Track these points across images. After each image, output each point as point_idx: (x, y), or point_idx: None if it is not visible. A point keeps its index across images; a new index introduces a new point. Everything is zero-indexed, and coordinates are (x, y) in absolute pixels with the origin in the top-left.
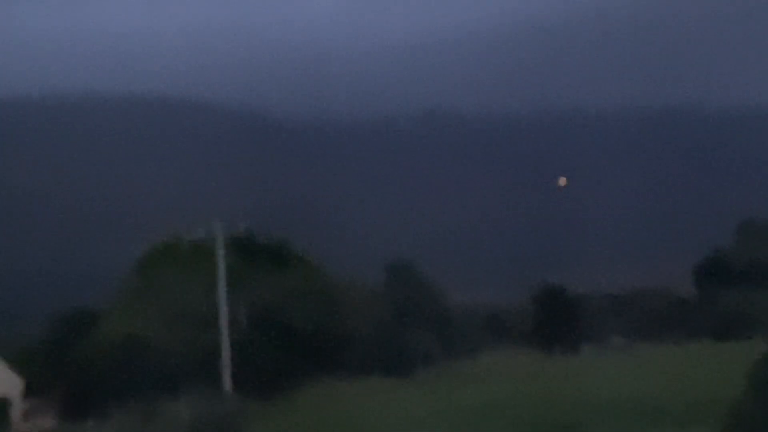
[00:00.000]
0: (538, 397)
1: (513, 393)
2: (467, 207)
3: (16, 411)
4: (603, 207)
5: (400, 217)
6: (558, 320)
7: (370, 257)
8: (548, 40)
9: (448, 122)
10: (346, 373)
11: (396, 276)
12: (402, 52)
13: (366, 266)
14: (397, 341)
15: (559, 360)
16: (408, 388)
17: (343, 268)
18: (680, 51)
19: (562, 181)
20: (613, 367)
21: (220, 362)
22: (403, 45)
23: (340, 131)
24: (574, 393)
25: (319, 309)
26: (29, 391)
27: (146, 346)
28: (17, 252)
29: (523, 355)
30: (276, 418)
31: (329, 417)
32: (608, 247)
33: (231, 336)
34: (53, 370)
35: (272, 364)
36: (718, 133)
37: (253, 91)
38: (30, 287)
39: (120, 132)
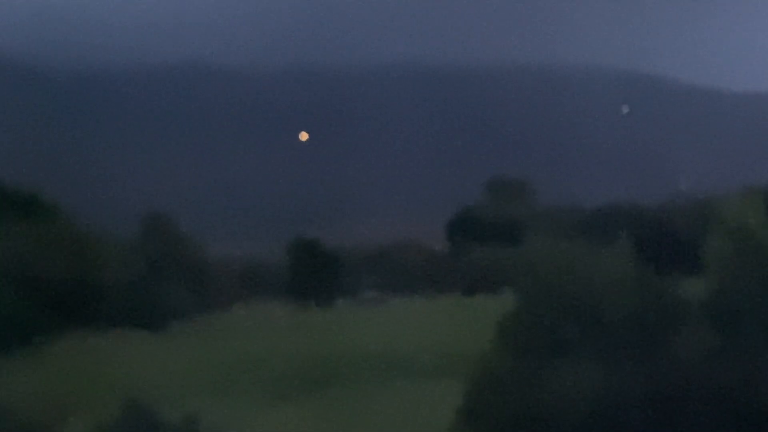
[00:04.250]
0: (292, 351)
1: (267, 347)
2: (223, 159)
3: None
4: (358, 161)
5: (156, 169)
6: (313, 274)
7: (123, 209)
8: None
9: (209, 74)
10: (98, 326)
11: (150, 228)
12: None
13: (119, 218)
14: (151, 294)
15: (313, 314)
16: (162, 341)
17: (96, 220)
18: (443, 7)
19: (303, 136)
20: (366, 321)
21: None
22: None
23: (95, 79)
24: (327, 347)
25: (69, 260)
26: None
27: None
28: None
29: (277, 308)
30: (22, 373)
31: (79, 371)
32: (362, 202)
33: None
34: None
35: (18, 317)
36: (469, 91)
37: (7, 33)
38: None
39: None
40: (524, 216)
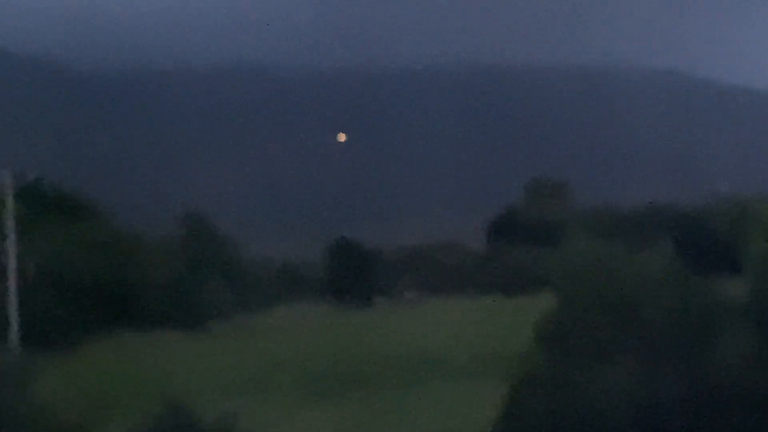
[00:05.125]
0: (331, 350)
1: (307, 346)
2: (264, 159)
3: None
4: (399, 162)
5: (196, 169)
6: (352, 274)
7: (164, 209)
8: None
9: (249, 74)
10: (139, 326)
11: (191, 228)
12: (202, 3)
13: (160, 218)
14: (191, 294)
15: (352, 314)
16: (202, 341)
17: (137, 220)
18: (484, 7)
19: (341, 137)
20: (405, 321)
21: (7, 314)
22: None
23: (137, 80)
24: (366, 347)
25: (111, 261)
26: None
27: None
28: None
29: (317, 308)
30: (66, 372)
31: (121, 370)
32: (403, 202)
33: (19, 288)
34: None
35: (62, 317)
36: (513, 93)
37: (46, 37)
38: None
39: None
40: (564, 217)
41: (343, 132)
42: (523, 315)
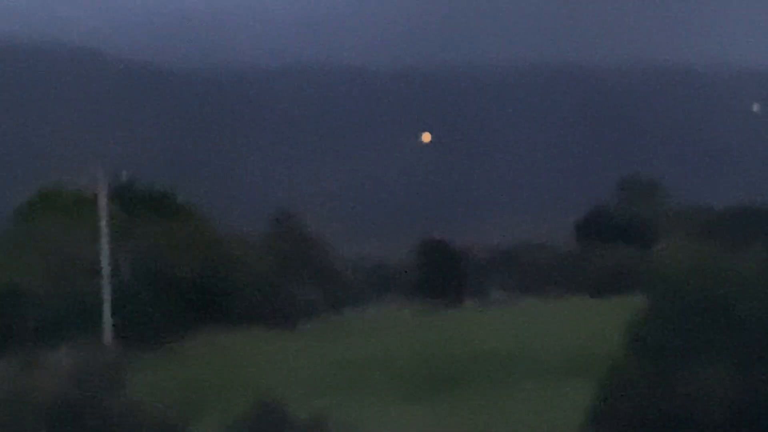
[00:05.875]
0: (421, 350)
1: (396, 346)
2: (352, 159)
3: None
4: (486, 161)
5: (285, 169)
6: (441, 274)
7: (254, 208)
8: None
9: (334, 74)
10: (230, 325)
11: (281, 227)
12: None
13: (251, 217)
14: (282, 293)
15: (441, 313)
16: (292, 340)
17: (228, 219)
18: (569, 7)
19: (426, 137)
20: (494, 321)
21: (101, 312)
22: None
23: (225, 80)
24: (456, 346)
25: (203, 260)
26: None
27: (26, 296)
28: None
29: (406, 308)
30: (159, 369)
31: (212, 368)
32: (491, 202)
33: (113, 286)
34: None
35: (155, 315)
36: (603, 90)
37: (137, 37)
38: None
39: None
40: (654, 217)
41: (431, 132)
42: (613, 316)
